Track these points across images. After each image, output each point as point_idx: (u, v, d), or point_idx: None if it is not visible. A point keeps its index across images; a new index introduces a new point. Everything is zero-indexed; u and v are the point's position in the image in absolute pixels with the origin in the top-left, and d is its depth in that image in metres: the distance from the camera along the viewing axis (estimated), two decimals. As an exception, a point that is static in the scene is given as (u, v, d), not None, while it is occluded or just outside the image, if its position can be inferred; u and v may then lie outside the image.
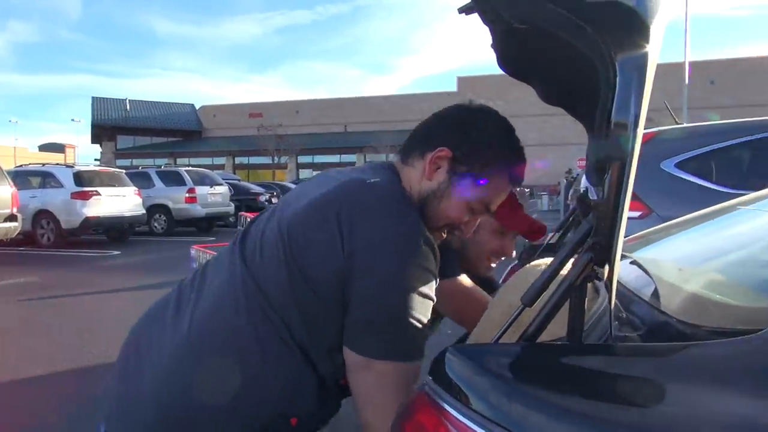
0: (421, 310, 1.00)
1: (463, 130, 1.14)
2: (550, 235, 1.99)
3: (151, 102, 47.99)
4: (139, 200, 12.28)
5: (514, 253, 1.67)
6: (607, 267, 0.76)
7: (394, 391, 0.98)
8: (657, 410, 0.65)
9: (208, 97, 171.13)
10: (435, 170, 1.12)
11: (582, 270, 0.75)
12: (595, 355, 0.78)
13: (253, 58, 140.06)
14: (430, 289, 1.02)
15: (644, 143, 2.77)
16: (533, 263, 1.36)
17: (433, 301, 1.03)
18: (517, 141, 1.18)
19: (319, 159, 40.45)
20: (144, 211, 12.46)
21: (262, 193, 16.98)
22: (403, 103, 41.25)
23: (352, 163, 39.82)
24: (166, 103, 48.40)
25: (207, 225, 14.58)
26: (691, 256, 1.33)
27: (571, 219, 2.01)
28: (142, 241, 12.60)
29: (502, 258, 1.59)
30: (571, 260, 0.79)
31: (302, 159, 40.30)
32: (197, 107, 48.20)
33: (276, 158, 37.44)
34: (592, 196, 1.89)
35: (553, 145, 37.85)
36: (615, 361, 0.76)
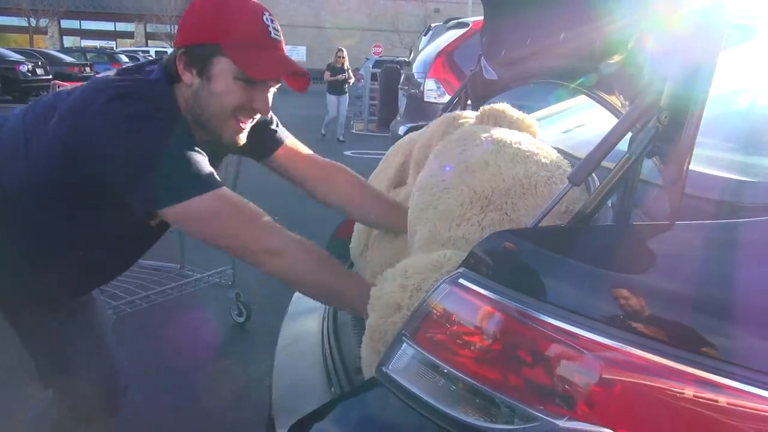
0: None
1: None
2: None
3: None
4: None
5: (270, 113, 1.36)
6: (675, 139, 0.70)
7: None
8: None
9: None
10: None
11: (647, 143, 0.69)
12: (648, 234, 0.74)
13: None
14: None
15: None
16: (456, 133, 1.26)
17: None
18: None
19: (89, 25, 34.85)
20: None
21: (22, 62, 14.22)
22: (189, -33, 36.77)
23: (130, 34, 35.23)
24: None
25: (-50, 98, 11.91)
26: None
27: (457, 99, 1.97)
28: None
29: (255, 117, 1.25)
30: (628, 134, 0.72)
31: (66, 24, 34.36)
32: None
33: (33, 20, 31.35)
34: (489, 75, 1.86)
35: (346, 29, 37.59)
36: (666, 238, 0.73)
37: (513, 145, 1.07)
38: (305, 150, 1.49)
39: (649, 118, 0.70)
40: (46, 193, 1.18)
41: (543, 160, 1.03)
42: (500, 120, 1.29)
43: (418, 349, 0.75)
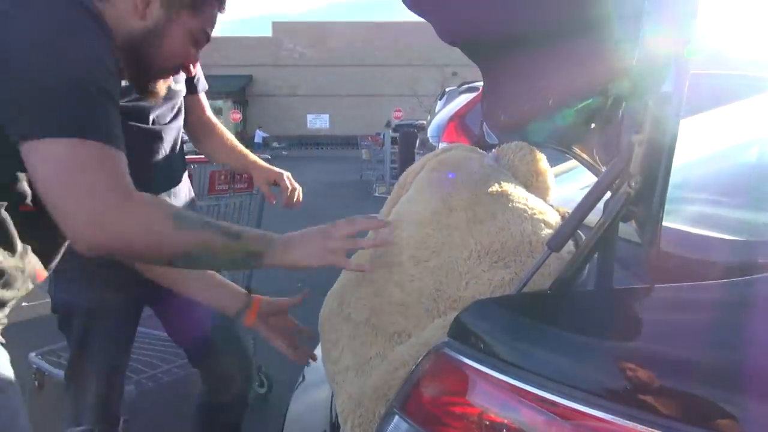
0: (71, 80, 0.88)
1: None
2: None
3: None
4: None
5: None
6: (646, 203, 0.71)
7: (71, 172, 0.88)
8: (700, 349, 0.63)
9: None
10: (146, 7, 1.05)
11: (620, 208, 0.70)
12: (627, 299, 0.74)
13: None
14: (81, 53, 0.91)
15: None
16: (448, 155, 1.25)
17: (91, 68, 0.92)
18: None
19: None
20: None
21: None
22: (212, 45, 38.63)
23: None
24: None
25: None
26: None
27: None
28: None
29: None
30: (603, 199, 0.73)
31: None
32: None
33: None
34: (490, 140, 1.90)
35: (367, 96, 38.68)
36: (648, 303, 0.73)
37: (521, 201, 1.04)
38: (208, 110, 1.84)
39: (621, 183, 0.72)
40: None
41: (549, 221, 1.01)
42: (517, 166, 1.26)
43: (408, 421, 0.75)
